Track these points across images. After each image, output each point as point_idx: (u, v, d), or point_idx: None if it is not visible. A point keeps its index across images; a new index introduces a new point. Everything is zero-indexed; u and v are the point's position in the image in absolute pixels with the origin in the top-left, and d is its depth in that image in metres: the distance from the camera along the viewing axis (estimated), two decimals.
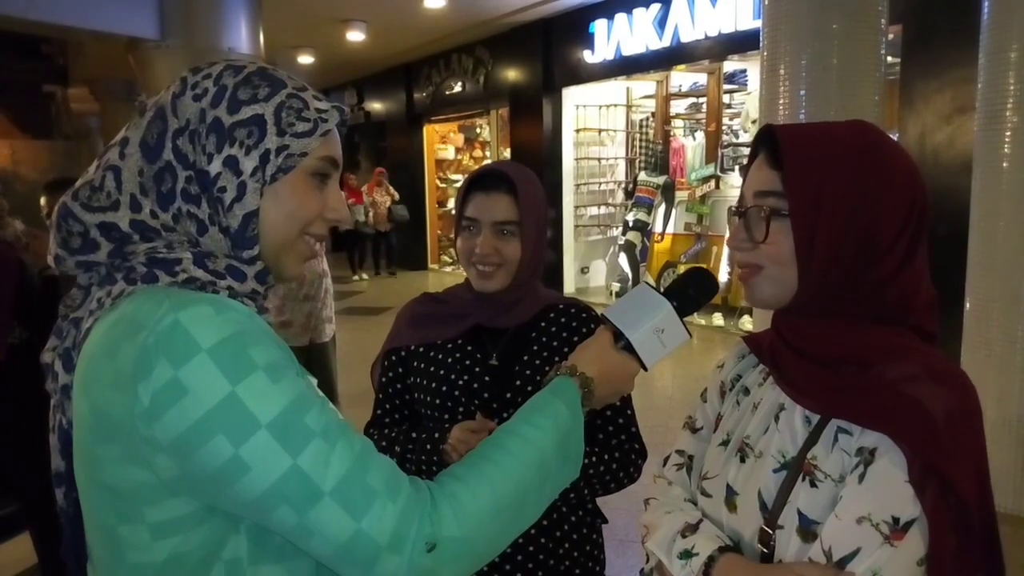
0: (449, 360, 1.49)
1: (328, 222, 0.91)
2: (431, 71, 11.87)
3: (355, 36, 9.57)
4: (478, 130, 13.00)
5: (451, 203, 13.02)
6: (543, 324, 1.48)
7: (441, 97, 11.85)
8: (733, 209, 1.02)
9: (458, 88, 11.42)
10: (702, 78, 8.70)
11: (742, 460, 1.00)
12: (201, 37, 5.67)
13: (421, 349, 1.52)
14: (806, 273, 0.92)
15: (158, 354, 0.72)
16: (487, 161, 12.20)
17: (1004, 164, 3.49)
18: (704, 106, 8.76)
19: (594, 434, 1.45)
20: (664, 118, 9.28)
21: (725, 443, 1.04)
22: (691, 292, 1.03)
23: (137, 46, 5.72)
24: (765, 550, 0.93)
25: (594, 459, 1.41)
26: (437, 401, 1.46)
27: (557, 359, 1.42)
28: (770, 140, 0.95)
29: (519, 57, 9.94)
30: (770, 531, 0.93)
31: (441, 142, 13.30)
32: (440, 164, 13.26)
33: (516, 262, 1.43)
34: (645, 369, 1.01)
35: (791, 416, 0.96)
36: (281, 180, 0.84)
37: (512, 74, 10.14)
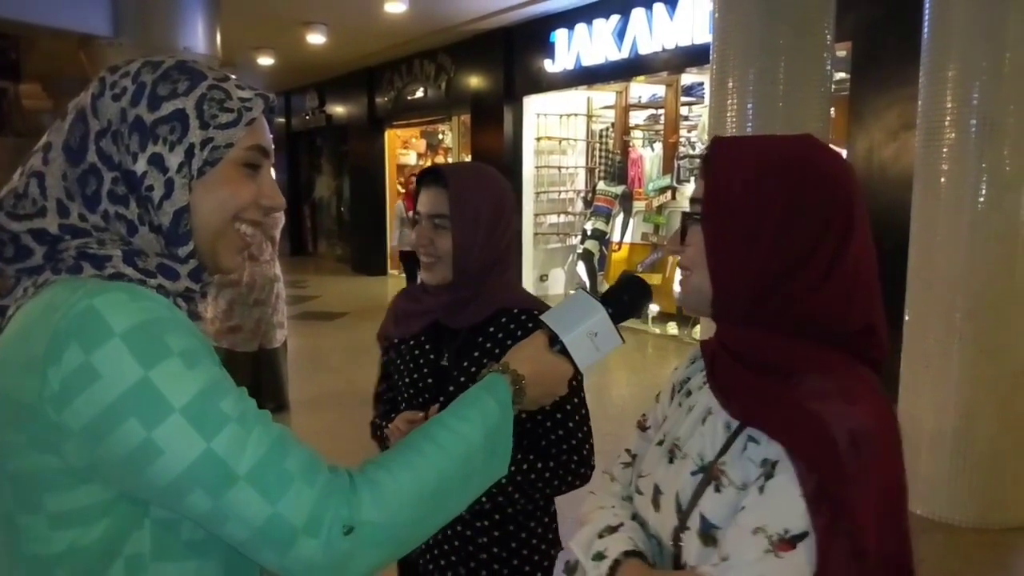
0: (408, 356, 1.57)
1: (263, 209, 0.91)
2: (393, 76, 11.83)
3: (315, 39, 9.50)
4: (440, 136, 12.99)
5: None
6: (492, 329, 1.50)
7: (403, 102, 11.82)
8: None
9: (420, 93, 11.40)
10: (661, 90, 8.80)
11: (670, 461, 1.01)
12: (156, 35, 5.60)
13: (396, 341, 1.62)
14: (716, 276, 0.94)
15: (69, 338, 0.71)
16: None
17: (942, 180, 3.59)
18: (662, 117, 8.87)
19: (535, 440, 1.46)
20: (623, 129, 9.37)
21: (661, 443, 1.06)
22: (626, 299, 1.06)
23: (90, 43, 5.63)
24: (674, 550, 0.95)
25: (525, 466, 1.42)
26: (401, 394, 1.57)
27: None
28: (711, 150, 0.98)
29: (481, 64, 9.97)
30: (681, 532, 0.94)
31: (403, 147, 13.27)
32: (401, 169, 13.22)
33: (449, 254, 1.47)
34: (578, 372, 1.03)
35: (715, 421, 0.97)
36: (209, 173, 0.83)
37: (474, 81, 10.16)
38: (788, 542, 0.83)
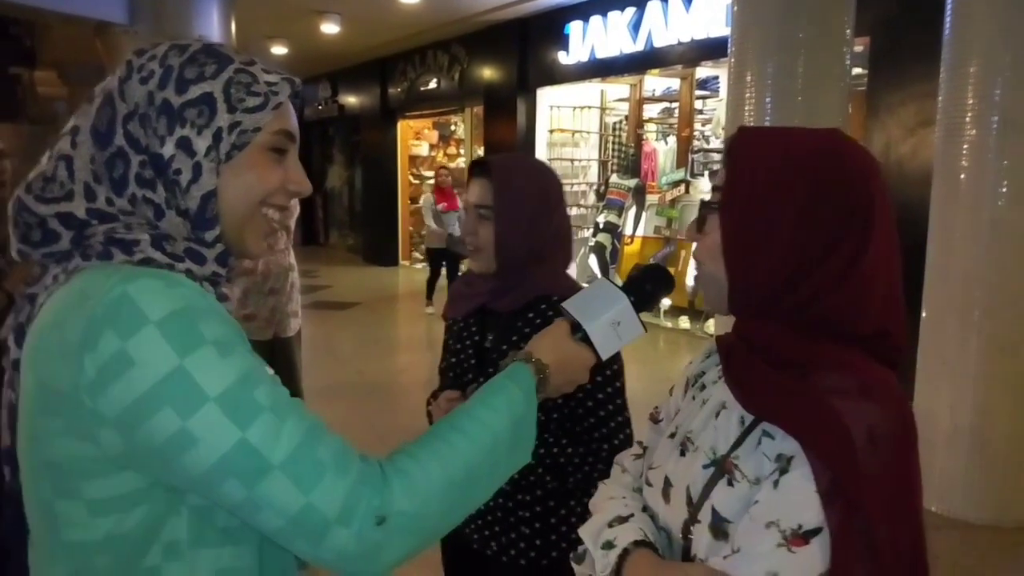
0: (456, 336, 1.66)
1: (290, 194, 0.90)
2: (406, 66, 11.82)
3: (329, 28, 9.50)
4: (453, 127, 12.98)
5: (423, 199, 12.98)
6: (531, 315, 1.54)
7: (416, 93, 11.81)
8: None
9: (433, 84, 11.38)
10: (675, 83, 8.76)
11: (682, 454, 1.00)
12: (171, 23, 5.59)
13: (450, 322, 1.71)
14: (731, 269, 0.93)
15: (105, 325, 0.72)
16: (461, 159, 12.19)
17: (962, 176, 3.56)
18: (676, 111, 8.83)
19: (570, 425, 1.50)
20: (637, 122, 9.33)
21: (673, 435, 1.05)
22: (648, 288, 1.05)
23: (105, 30, 5.64)
24: (684, 543, 0.95)
25: (555, 449, 1.46)
26: (449, 371, 1.65)
27: None
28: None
29: (494, 56, 9.94)
30: (691, 525, 0.94)
31: (415, 138, 13.26)
32: (413, 160, 13.22)
33: (491, 244, 1.52)
34: (600, 360, 1.03)
35: (729, 415, 0.96)
36: (237, 157, 0.83)
37: (487, 72, 10.13)
38: (801, 537, 0.82)
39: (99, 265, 0.79)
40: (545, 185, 1.57)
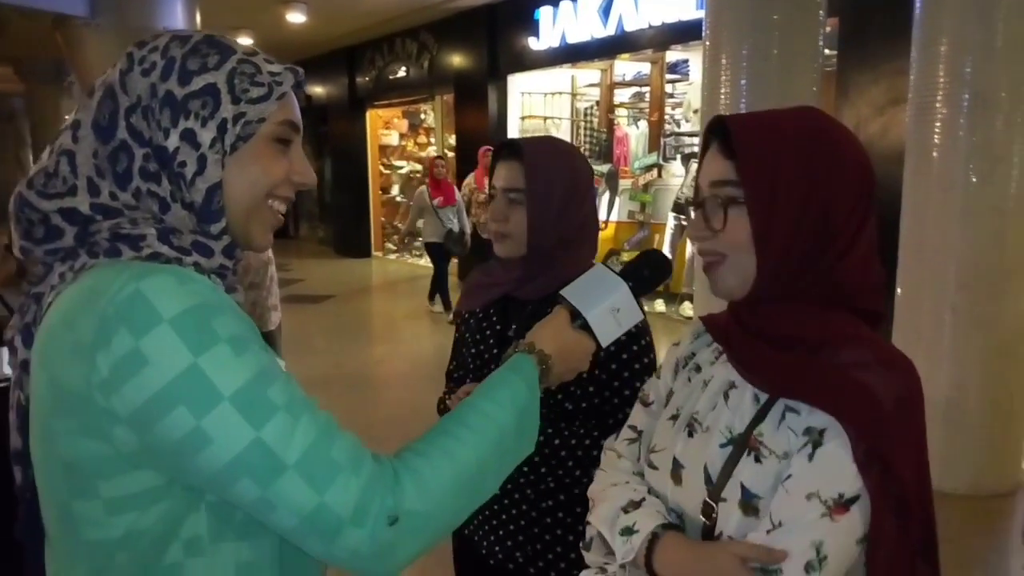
0: (475, 327, 1.58)
1: (295, 185, 0.90)
2: (374, 55, 11.70)
3: (295, 17, 9.36)
4: (423, 116, 12.89)
5: (395, 189, 12.89)
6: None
7: (384, 82, 11.70)
8: (686, 200, 1.03)
9: (402, 73, 11.28)
10: (646, 67, 8.78)
11: (690, 435, 1.01)
12: (133, 15, 5.46)
13: (466, 315, 1.63)
14: (764, 258, 0.93)
15: (118, 323, 0.71)
16: (432, 148, 12.12)
17: (934, 154, 3.62)
18: (647, 95, 8.85)
19: (600, 417, 1.45)
20: (608, 107, 9.34)
21: (674, 418, 1.06)
22: (647, 273, 1.05)
23: (65, 23, 5.49)
24: (707, 522, 0.95)
25: (587, 441, 1.43)
26: (467, 365, 1.57)
27: None
28: (721, 131, 0.97)
29: (464, 43, 9.87)
30: (713, 504, 0.94)
31: (385, 127, 13.15)
32: (384, 150, 13.11)
33: (522, 230, 1.46)
34: (600, 347, 1.03)
35: (741, 394, 0.98)
36: (242, 148, 0.83)
37: (457, 60, 10.07)
38: (843, 506, 0.86)
39: (107, 263, 0.78)
40: (575, 169, 1.50)
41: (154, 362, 0.70)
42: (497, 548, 1.50)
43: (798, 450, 0.90)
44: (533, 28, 8.71)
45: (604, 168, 8.55)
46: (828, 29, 5.83)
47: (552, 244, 1.46)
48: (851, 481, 0.86)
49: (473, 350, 1.56)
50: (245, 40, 10.94)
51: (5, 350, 0.91)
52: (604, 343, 1.02)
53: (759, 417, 0.95)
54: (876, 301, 0.97)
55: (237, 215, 0.84)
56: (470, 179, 7.95)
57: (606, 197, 8.50)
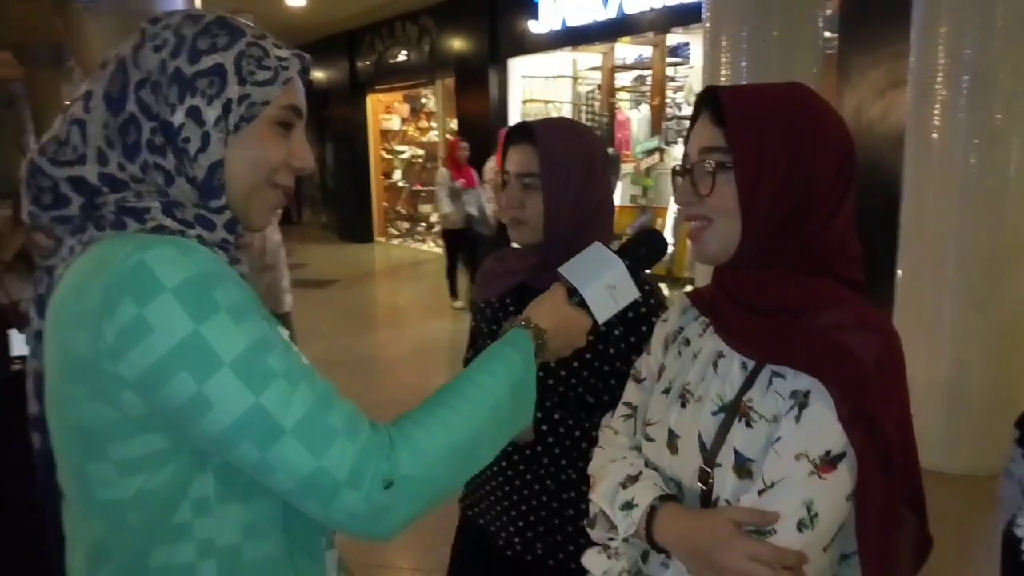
0: (491, 317, 1.55)
1: (294, 170, 0.92)
2: (374, 39, 11.66)
3: (295, 1, 9.33)
4: (424, 100, 12.86)
5: (397, 174, 12.88)
6: None
7: (385, 66, 11.67)
8: (678, 168, 1.05)
9: (402, 57, 11.25)
10: (647, 51, 8.74)
11: (683, 405, 1.04)
12: None
13: (483, 304, 1.58)
14: (749, 221, 0.96)
15: (122, 292, 0.74)
16: (433, 132, 12.10)
17: (934, 136, 3.62)
18: (649, 79, 8.82)
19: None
20: (609, 90, 9.31)
21: (667, 391, 1.09)
22: (643, 251, 1.07)
23: (65, 8, 5.46)
24: (704, 487, 0.98)
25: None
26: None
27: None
28: (712, 101, 1.00)
29: (464, 26, 9.84)
30: (708, 470, 0.97)
31: (386, 112, 13.12)
32: (385, 135, 13.08)
33: (540, 216, 1.42)
34: (597, 324, 1.05)
35: (729, 363, 1.01)
36: (245, 129, 0.85)
37: (457, 44, 10.03)
38: (830, 463, 0.89)
39: (114, 235, 0.81)
40: (591, 150, 1.46)
41: (157, 329, 0.73)
42: (517, 539, 1.48)
43: (786, 413, 0.93)
44: (533, 11, 8.67)
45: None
46: (829, 12, 5.83)
47: (570, 229, 1.42)
48: (837, 439, 0.89)
49: (490, 340, 1.51)
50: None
51: (13, 332, 0.94)
52: (600, 319, 1.04)
53: (747, 384, 0.98)
54: (856, 271, 1.01)
55: (237, 193, 0.87)
56: (492, 162, 7.46)
57: None
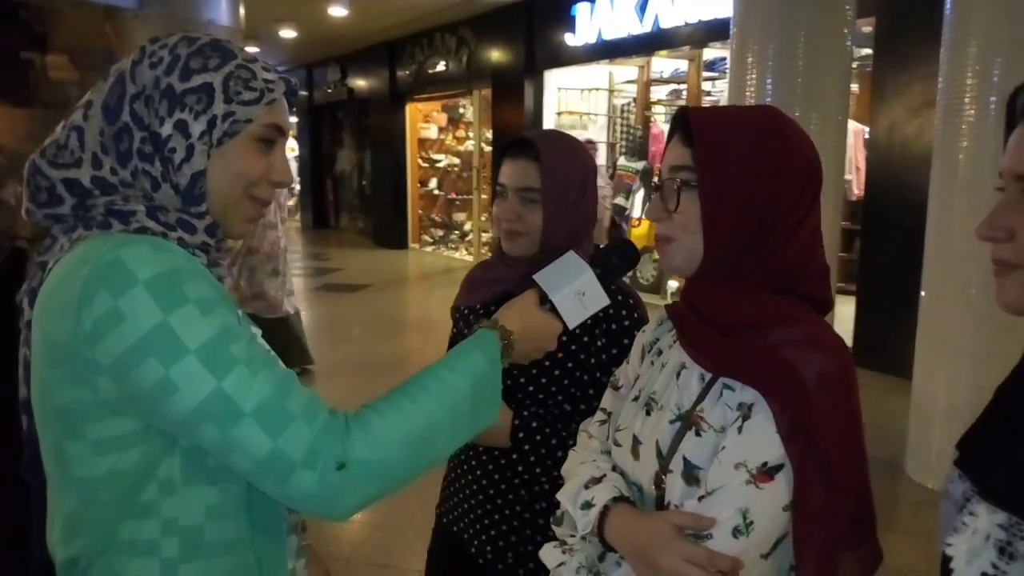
0: (473, 322, 1.54)
1: (273, 184, 0.99)
2: (414, 49, 11.82)
3: (337, 11, 9.52)
4: (461, 110, 12.99)
5: (433, 183, 13.03)
6: None
7: (424, 76, 11.82)
8: (654, 185, 1.09)
9: (441, 67, 11.39)
10: (683, 65, 8.74)
11: (648, 413, 1.08)
12: (180, 7, 5.65)
13: (466, 310, 1.60)
14: (711, 239, 1.00)
15: (99, 285, 0.81)
16: (469, 142, 12.22)
17: (960, 157, 3.58)
18: (684, 93, 8.81)
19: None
20: (644, 103, 9.31)
21: (636, 399, 1.13)
22: (614, 261, 1.11)
23: (115, 15, 5.68)
24: (658, 492, 1.02)
25: None
26: None
27: (572, 338, 1.43)
28: (684, 121, 1.04)
29: (502, 38, 9.94)
30: (663, 476, 1.01)
31: (424, 121, 13.27)
32: (422, 143, 13.23)
33: (538, 229, 1.44)
34: (567, 329, 1.09)
35: (690, 374, 1.05)
36: (227, 144, 0.92)
37: (495, 55, 10.14)
38: (767, 473, 0.92)
39: (99, 234, 0.88)
40: (585, 164, 1.49)
41: (130, 319, 0.80)
42: (488, 548, 1.50)
43: (731, 424, 0.96)
44: (570, 24, 8.73)
45: (639, 165, 8.54)
46: (868, 29, 5.79)
47: (564, 241, 1.43)
48: (775, 451, 0.92)
49: None
50: (289, 33, 11.15)
51: None
52: (571, 325, 1.09)
53: (702, 395, 1.01)
54: (821, 288, 1.04)
55: (217, 202, 0.94)
56: None
57: (640, 194, 8.49)
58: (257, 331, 0.95)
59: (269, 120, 0.95)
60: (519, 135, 1.51)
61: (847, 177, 7.90)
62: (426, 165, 13.12)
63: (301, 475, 0.83)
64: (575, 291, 1.07)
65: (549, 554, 1.15)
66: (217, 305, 0.85)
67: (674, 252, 1.05)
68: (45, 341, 0.85)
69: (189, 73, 0.90)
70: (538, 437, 1.43)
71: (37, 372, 0.88)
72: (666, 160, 1.07)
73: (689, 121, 1.02)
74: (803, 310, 1.01)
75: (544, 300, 1.08)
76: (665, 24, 7.58)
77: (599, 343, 1.44)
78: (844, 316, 6.20)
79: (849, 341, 6.19)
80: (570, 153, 1.48)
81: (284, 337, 4.66)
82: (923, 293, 3.84)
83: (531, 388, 1.46)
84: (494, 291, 1.52)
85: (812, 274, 1.03)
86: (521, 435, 1.43)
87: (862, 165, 7.11)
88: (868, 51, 6.15)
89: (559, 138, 1.53)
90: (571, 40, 8.77)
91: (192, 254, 0.91)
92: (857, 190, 7.42)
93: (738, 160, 0.98)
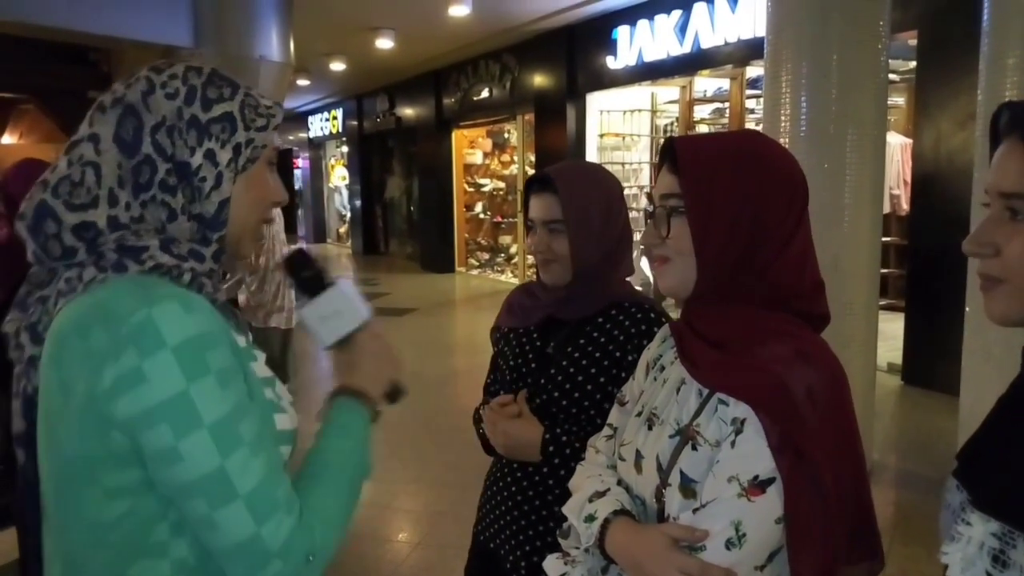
0: (515, 343, 1.64)
1: (275, 205, 1.06)
2: (459, 77, 12.05)
3: (384, 43, 9.78)
4: (506, 135, 13.16)
5: (479, 207, 13.19)
6: (601, 320, 1.54)
7: (469, 103, 12.02)
8: (648, 211, 1.14)
9: (485, 94, 11.57)
10: (726, 83, 8.73)
11: (650, 428, 1.11)
12: (233, 44, 5.86)
13: (507, 331, 1.69)
14: (703, 261, 1.04)
15: (128, 344, 0.81)
16: (514, 166, 12.36)
17: None
18: (727, 111, 8.79)
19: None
20: (687, 123, 9.31)
21: (640, 414, 1.16)
22: (305, 275, 1.12)
23: (173, 53, 5.93)
24: (659, 506, 1.05)
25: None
26: (504, 378, 1.63)
27: (605, 355, 1.51)
28: (672, 151, 1.08)
29: (544, 63, 10.08)
30: (663, 489, 1.05)
31: (469, 147, 13.48)
32: (468, 168, 13.43)
33: (567, 256, 1.53)
34: (327, 347, 1.11)
35: (689, 389, 1.08)
36: (249, 169, 0.97)
37: (537, 80, 10.27)
38: (758, 487, 0.94)
39: (116, 278, 0.88)
40: (607, 188, 1.57)
41: (152, 382, 0.81)
42: (523, 563, 1.54)
43: (725, 438, 0.99)
44: (611, 47, 8.82)
45: None
46: (913, 42, 5.72)
47: (597, 265, 1.53)
48: (765, 464, 0.94)
49: (512, 363, 1.63)
50: (339, 66, 11.47)
51: None
52: (327, 343, 1.11)
53: (699, 410, 1.04)
54: (816, 304, 1.06)
55: (236, 227, 0.98)
56: None
57: None
58: (261, 355, 0.99)
59: (274, 144, 1.01)
60: (540, 172, 1.59)
61: (895, 192, 7.78)
62: (472, 189, 13.29)
63: (274, 565, 0.85)
64: (315, 317, 1.10)
65: (552, 565, 1.19)
66: (233, 377, 0.87)
67: (667, 275, 1.09)
68: (62, 388, 0.84)
69: (209, 103, 0.93)
70: (567, 451, 1.47)
71: (49, 417, 0.87)
72: (657, 188, 1.11)
73: (675, 151, 1.07)
74: (795, 325, 1.04)
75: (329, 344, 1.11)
76: (705, 44, 7.61)
77: (630, 358, 1.48)
78: (894, 334, 6.07)
79: (898, 360, 6.05)
80: (588, 181, 1.56)
81: (287, 349, 4.82)
82: (967, 308, 3.76)
83: (564, 403, 1.51)
84: (537, 316, 1.61)
85: (806, 289, 1.06)
86: (551, 449, 1.48)
87: (910, 179, 6.99)
88: (913, 63, 6.08)
89: (577, 168, 1.61)
90: (612, 63, 8.85)
91: (201, 284, 0.92)
92: (906, 204, 7.29)
93: (723, 187, 1.02)
